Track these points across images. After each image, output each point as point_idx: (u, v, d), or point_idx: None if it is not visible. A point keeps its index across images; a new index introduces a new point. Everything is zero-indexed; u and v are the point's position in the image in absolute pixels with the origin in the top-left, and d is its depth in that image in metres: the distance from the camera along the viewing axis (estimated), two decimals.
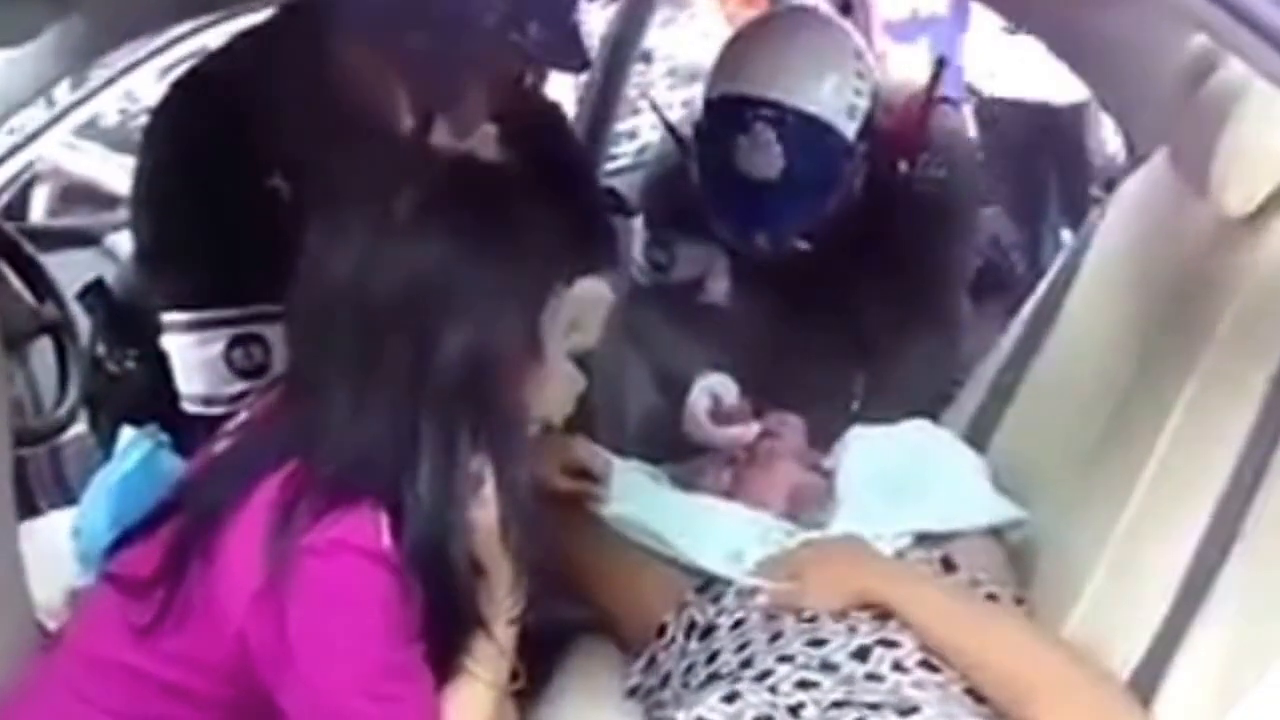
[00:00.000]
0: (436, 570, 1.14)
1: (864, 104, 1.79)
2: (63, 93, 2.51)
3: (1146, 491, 1.33)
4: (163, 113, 1.51)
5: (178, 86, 1.52)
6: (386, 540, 1.13)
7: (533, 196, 1.27)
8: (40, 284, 2.13)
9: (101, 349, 1.78)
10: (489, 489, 1.18)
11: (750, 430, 1.82)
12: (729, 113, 1.79)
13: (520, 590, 1.23)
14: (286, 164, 1.41)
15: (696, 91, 2.08)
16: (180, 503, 1.22)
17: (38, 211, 2.71)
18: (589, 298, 1.68)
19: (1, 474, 1.34)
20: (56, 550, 1.60)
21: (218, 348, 1.47)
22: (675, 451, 1.91)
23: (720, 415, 1.86)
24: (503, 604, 1.21)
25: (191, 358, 1.48)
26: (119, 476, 1.57)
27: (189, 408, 1.51)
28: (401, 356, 1.15)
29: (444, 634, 1.18)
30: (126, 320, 1.77)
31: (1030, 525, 1.59)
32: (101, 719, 1.19)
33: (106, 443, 1.79)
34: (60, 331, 2.10)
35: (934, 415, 1.89)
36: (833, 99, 1.77)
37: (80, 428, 2.13)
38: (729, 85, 1.81)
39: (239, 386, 1.46)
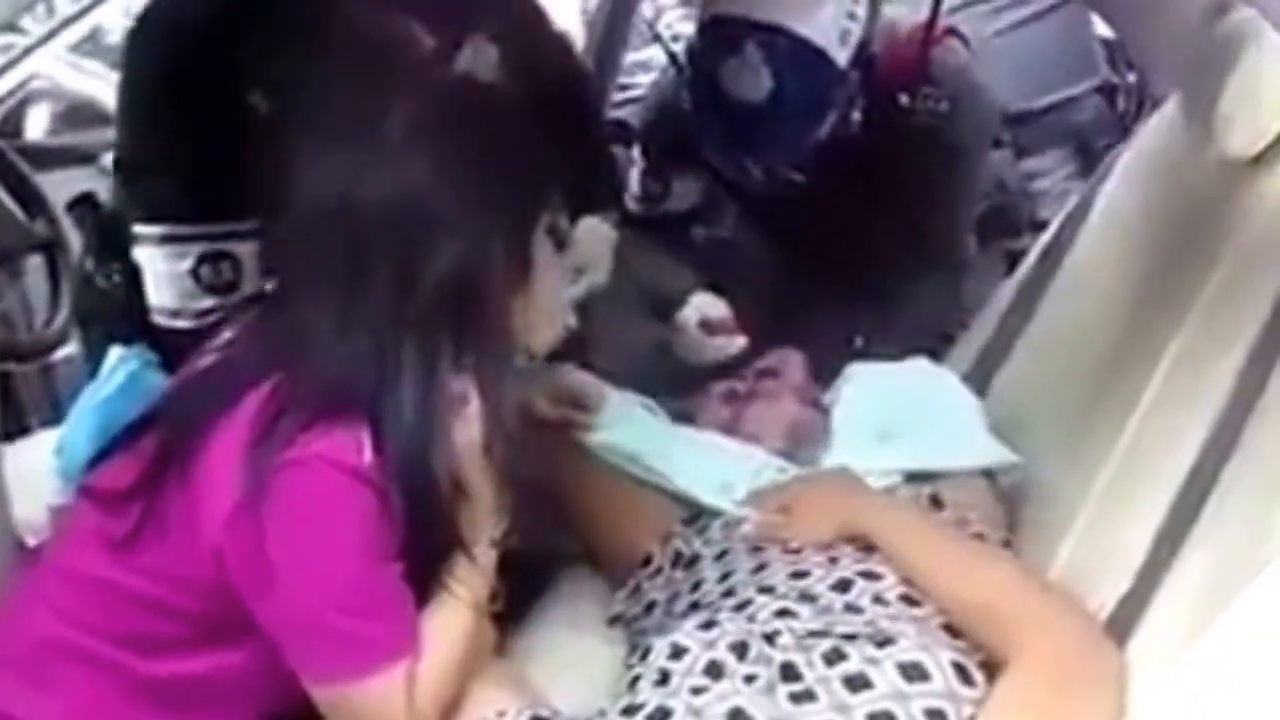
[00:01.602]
0: (417, 488, 1.16)
1: (857, 30, 1.79)
2: (64, 5, 2.51)
3: (1132, 438, 1.34)
4: (146, 21, 1.52)
5: (153, 6, 1.52)
6: (368, 456, 1.14)
7: (527, 120, 1.28)
8: (33, 202, 2.14)
9: (90, 264, 1.79)
10: (472, 409, 1.19)
11: (736, 342, 1.84)
12: (720, 33, 1.79)
13: (502, 512, 1.25)
14: (269, 81, 1.41)
15: None
16: (160, 417, 1.24)
17: (36, 130, 2.69)
18: (592, 238, 1.70)
19: None
20: (42, 468, 1.62)
21: (187, 263, 1.48)
22: (674, 385, 1.93)
23: (708, 326, 1.88)
24: (484, 524, 1.24)
25: (161, 270, 1.50)
26: (104, 395, 1.58)
27: (157, 319, 1.53)
28: (386, 273, 1.16)
29: (425, 553, 1.20)
30: (115, 235, 1.77)
31: (1024, 469, 1.60)
32: (76, 633, 1.22)
33: (96, 360, 1.81)
34: (53, 249, 2.12)
35: (937, 355, 1.89)
36: (826, 24, 1.77)
37: (72, 347, 2.15)
38: (722, 5, 1.82)
39: (207, 302, 1.49)
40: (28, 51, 2.48)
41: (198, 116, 1.42)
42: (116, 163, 1.61)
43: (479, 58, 1.47)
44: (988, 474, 1.60)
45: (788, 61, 1.75)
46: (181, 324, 1.50)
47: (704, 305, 1.93)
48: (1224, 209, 1.37)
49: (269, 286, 1.30)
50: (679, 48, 2.00)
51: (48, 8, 2.47)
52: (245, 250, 1.47)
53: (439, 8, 1.43)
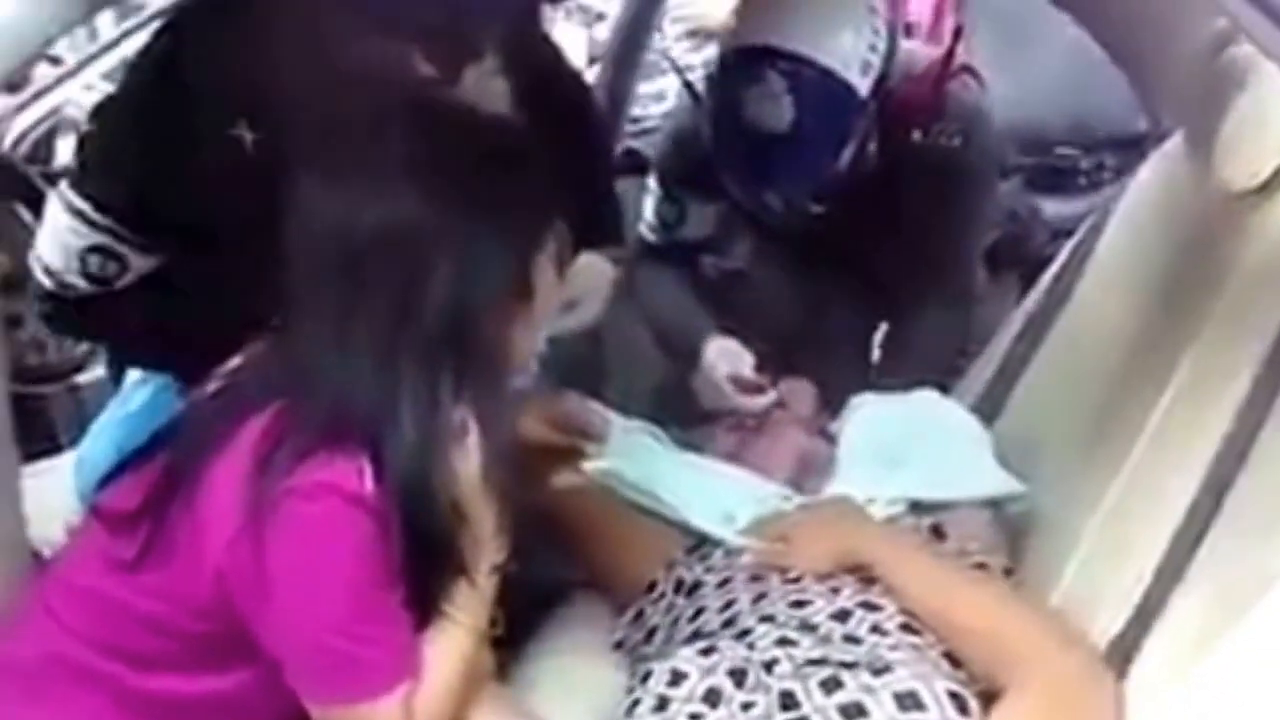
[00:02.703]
0: (417, 515, 1.15)
1: (878, 62, 1.77)
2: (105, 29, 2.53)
3: (1135, 468, 1.33)
4: (147, 48, 1.52)
5: (168, 25, 1.51)
6: (369, 484, 1.13)
7: (532, 151, 1.27)
8: None
9: None
10: (472, 438, 1.19)
11: (768, 399, 1.82)
12: (742, 63, 1.78)
13: (502, 539, 1.24)
14: (258, 114, 1.41)
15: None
16: (167, 440, 1.24)
17: (67, 156, 2.72)
18: (589, 273, 1.70)
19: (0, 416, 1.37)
20: (63, 487, 1.64)
21: (81, 244, 1.49)
22: (684, 417, 1.92)
23: (740, 384, 1.87)
24: (484, 551, 1.22)
25: (61, 233, 1.50)
26: (122, 415, 1.60)
27: (31, 262, 1.54)
28: (386, 301, 1.15)
29: (425, 579, 1.19)
30: None
31: (1029, 499, 1.58)
32: (80, 648, 1.22)
33: (119, 381, 1.83)
34: None
35: (945, 386, 1.88)
36: (847, 53, 1.75)
37: (99, 370, 2.17)
38: (744, 36, 1.81)
39: (78, 282, 1.50)
40: (60, 81, 2.52)
41: (166, 133, 1.41)
42: (79, 141, 1.60)
43: (486, 88, 1.47)
44: (993, 503, 1.59)
45: (811, 91, 1.74)
46: (47, 283, 1.52)
47: (732, 359, 1.89)
48: (1227, 240, 1.35)
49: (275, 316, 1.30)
50: (695, 77, 2.00)
51: (89, 33, 2.50)
52: (138, 261, 1.49)
53: (443, 37, 1.43)
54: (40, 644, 1.24)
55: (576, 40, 3.14)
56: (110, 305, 1.53)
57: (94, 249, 1.49)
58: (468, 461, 1.18)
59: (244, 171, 1.33)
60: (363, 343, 1.15)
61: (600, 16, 3.13)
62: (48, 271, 1.52)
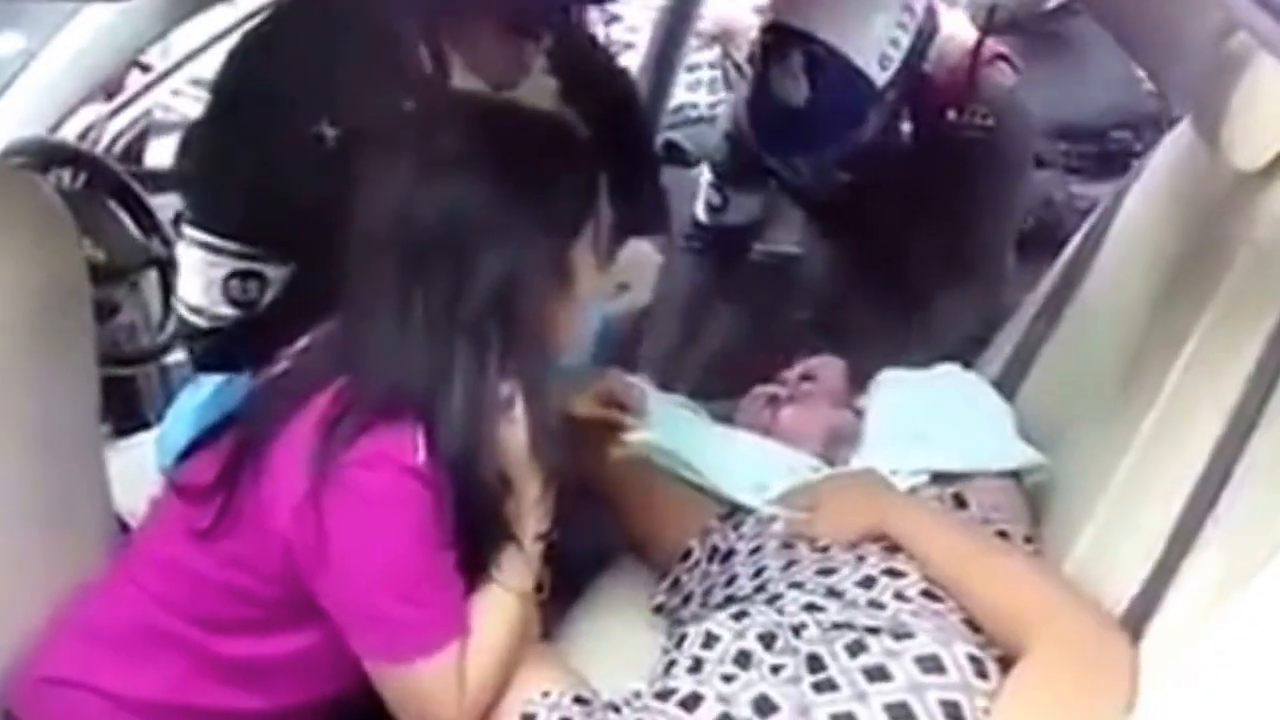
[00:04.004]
0: (468, 483, 1.16)
1: (898, 56, 1.79)
2: (179, 44, 2.56)
3: (1148, 438, 1.29)
4: (233, 59, 1.53)
5: (248, 37, 1.53)
6: (422, 455, 1.14)
7: (576, 143, 1.27)
8: (149, 222, 2.20)
9: None
10: (518, 410, 1.19)
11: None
12: (771, 41, 1.83)
13: (547, 505, 1.24)
14: (336, 112, 1.41)
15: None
16: (238, 418, 1.25)
17: (157, 157, 2.76)
18: (636, 258, 1.71)
19: (90, 393, 1.39)
20: (147, 462, 1.66)
21: (221, 272, 1.49)
22: (720, 393, 1.91)
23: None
24: (530, 518, 1.23)
25: (196, 271, 1.51)
26: (199, 396, 1.61)
27: (179, 308, 1.55)
28: (439, 285, 1.16)
29: (475, 545, 1.20)
30: None
31: (1049, 470, 1.55)
32: (162, 614, 1.24)
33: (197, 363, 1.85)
34: (165, 264, 2.16)
35: (969, 363, 1.85)
36: (867, 46, 1.77)
37: (182, 353, 2.20)
38: (776, 15, 1.86)
39: (226, 311, 1.50)
40: (149, 87, 2.55)
41: (264, 145, 1.42)
42: (181, 166, 1.63)
43: (535, 86, 1.47)
44: (1014, 474, 1.56)
45: (825, 73, 1.77)
46: (198, 322, 1.52)
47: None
48: (1234, 219, 1.32)
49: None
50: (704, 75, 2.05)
51: (162, 48, 2.53)
52: (274, 273, 1.48)
53: (496, 42, 1.43)
54: (126, 611, 1.27)
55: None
56: (260, 326, 1.51)
57: (232, 275, 1.49)
58: (514, 433, 1.19)
59: (328, 167, 1.33)
60: (418, 324, 1.16)
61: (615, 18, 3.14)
62: (196, 311, 1.53)
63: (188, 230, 1.52)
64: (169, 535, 1.26)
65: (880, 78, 1.78)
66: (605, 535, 1.61)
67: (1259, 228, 1.26)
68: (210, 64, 2.70)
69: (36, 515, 1.30)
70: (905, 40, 1.80)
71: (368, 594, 1.16)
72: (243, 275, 1.48)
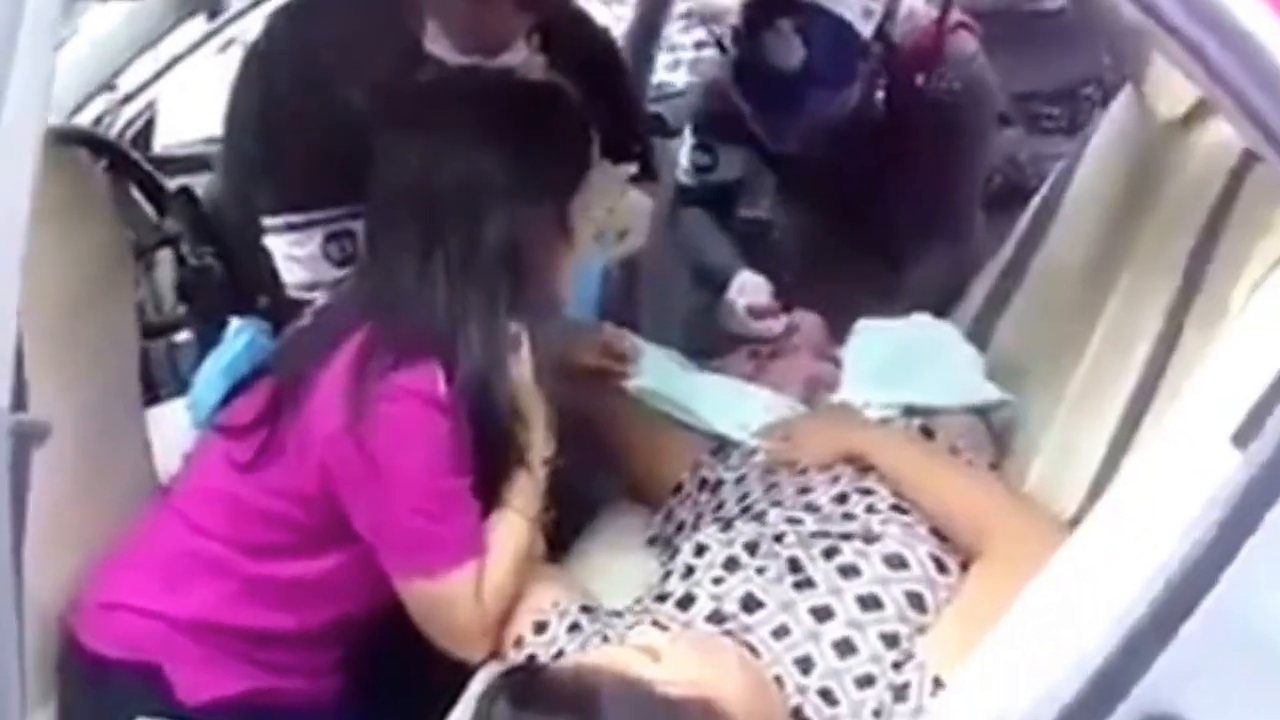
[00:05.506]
0: (483, 414, 1.33)
1: (878, 9, 1.95)
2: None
3: (1089, 365, 1.47)
4: (261, 46, 1.65)
5: (273, 24, 1.65)
6: (443, 389, 1.31)
7: (568, 109, 1.44)
8: (162, 203, 2.34)
9: (186, 246, 1.99)
10: (525, 349, 1.37)
11: (779, 323, 1.98)
12: (760, 12, 1.97)
13: (553, 434, 1.41)
14: (365, 86, 1.53)
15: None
16: (274, 365, 1.42)
17: (160, 144, 2.91)
18: (632, 205, 1.85)
19: (130, 359, 1.53)
20: (175, 428, 1.81)
21: (315, 244, 1.61)
22: (709, 345, 2.08)
23: (755, 312, 2.03)
24: (538, 445, 1.40)
25: (291, 254, 1.63)
26: (228, 358, 1.75)
27: (294, 294, 1.65)
28: (456, 239, 1.33)
29: (489, 469, 1.37)
30: (207, 223, 2.00)
31: (1013, 406, 1.72)
32: (206, 542, 1.39)
33: (202, 328, 2.00)
34: (177, 243, 2.31)
35: (941, 314, 2.00)
36: (851, 1, 1.92)
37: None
38: None
39: (337, 274, 1.60)
40: (156, 76, 2.70)
41: (308, 123, 1.54)
42: (238, 167, 1.71)
43: (527, 61, 1.63)
44: (979, 411, 1.73)
45: (817, 31, 1.92)
46: (315, 296, 1.60)
47: (751, 289, 2.07)
48: (1161, 163, 1.48)
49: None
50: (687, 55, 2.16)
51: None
52: (357, 226, 1.57)
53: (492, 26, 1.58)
54: (172, 542, 1.41)
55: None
56: None
57: (327, 240, 1.59)
58: (522, 368, 1.36)
59: (360, 128, 1.44)
60: (437, 274, 1.33)
61: None
62: (309, 288, 1.62)
63: (269, 222, 1.62)
64: (209, 471, 1.42)
65: (866, 29, 1.94)
66: (603, 479, 1.76)
67: (1179, 170, 1.43)
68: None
69: (85, 470, 1.44)
70: None
71: (396, 514, 1.32)
72: (336, 236, 1.60)
